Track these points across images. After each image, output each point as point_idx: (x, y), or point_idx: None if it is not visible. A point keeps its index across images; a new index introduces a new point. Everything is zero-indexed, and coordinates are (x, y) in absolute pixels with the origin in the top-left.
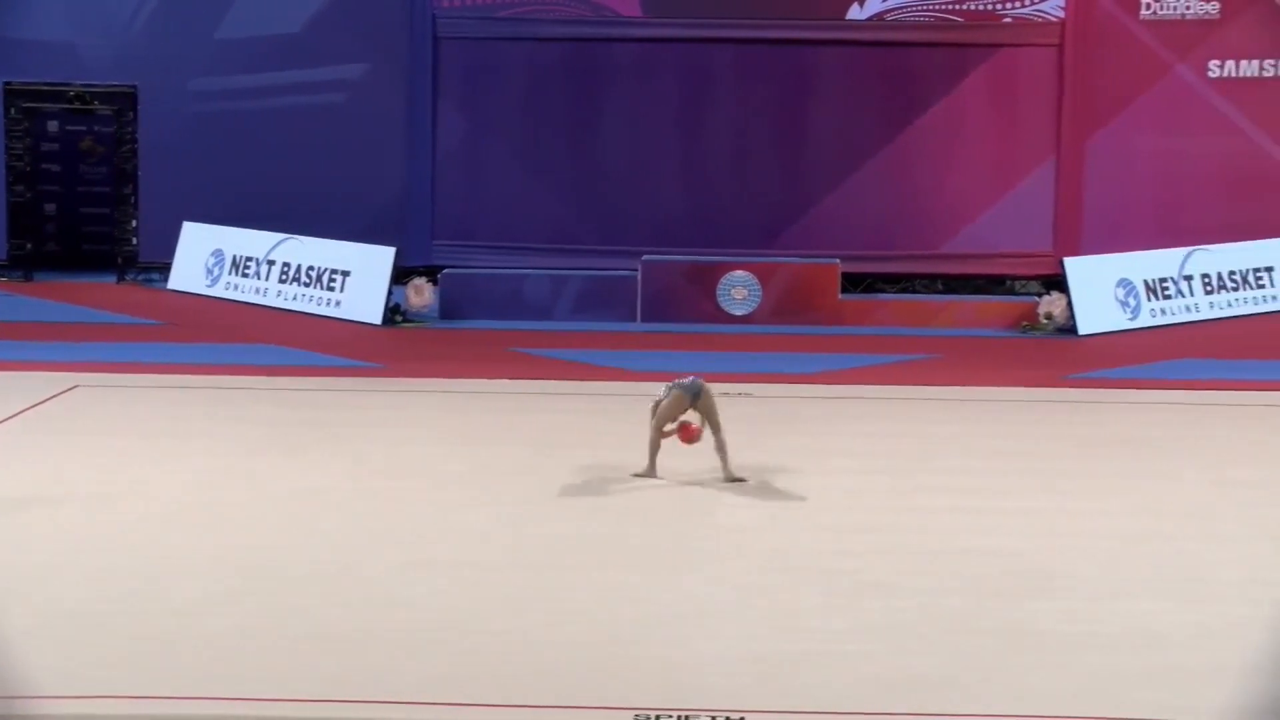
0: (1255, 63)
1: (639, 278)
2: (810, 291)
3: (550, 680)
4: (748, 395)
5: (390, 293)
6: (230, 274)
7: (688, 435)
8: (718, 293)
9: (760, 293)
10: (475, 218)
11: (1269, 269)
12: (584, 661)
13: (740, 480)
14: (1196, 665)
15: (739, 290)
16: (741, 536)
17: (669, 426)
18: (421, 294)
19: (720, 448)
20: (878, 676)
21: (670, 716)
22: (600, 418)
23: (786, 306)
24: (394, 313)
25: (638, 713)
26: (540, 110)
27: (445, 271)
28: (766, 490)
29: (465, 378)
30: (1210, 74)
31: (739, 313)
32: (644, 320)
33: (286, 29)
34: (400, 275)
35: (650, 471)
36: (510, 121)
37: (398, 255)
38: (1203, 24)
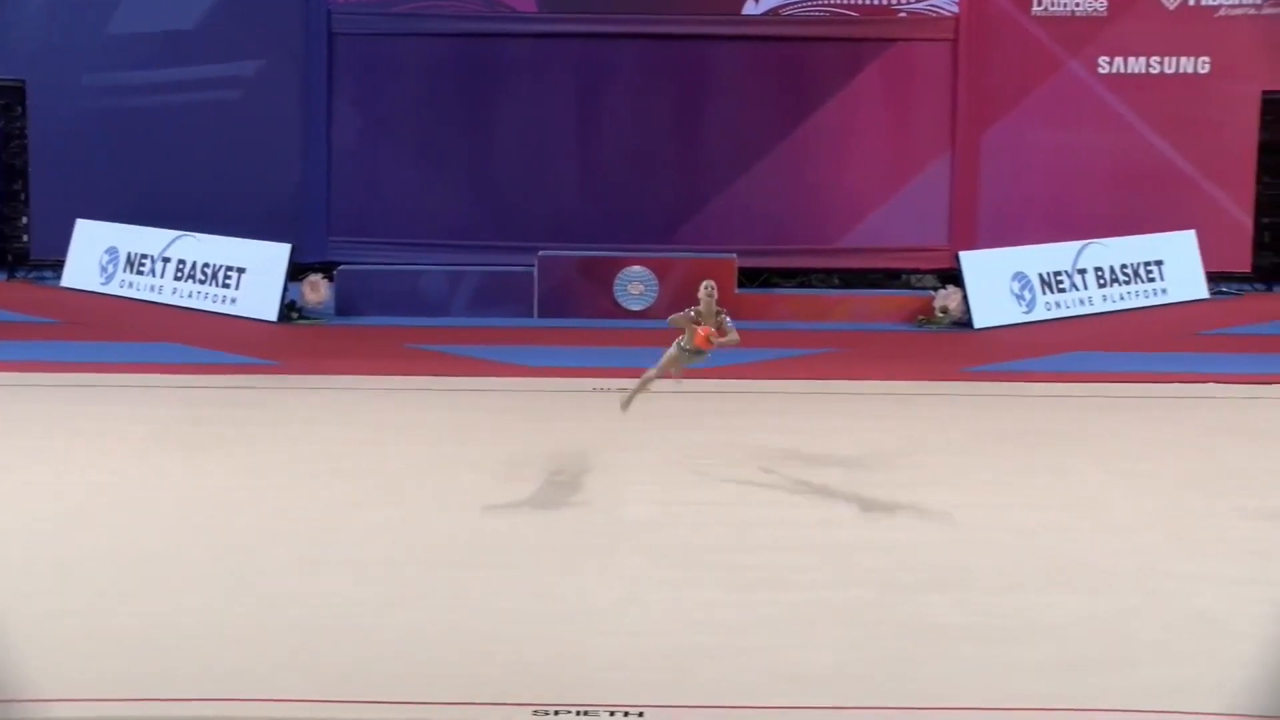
0: (1143, 59)
1: (536, 273)
2: None
3: (449, 677)
4: (645, 391)
5: (286, 290)
6: (125, 272)
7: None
8: (614, 288)
9: (657, 288)
10: (372, 214)
11: (1159, 262)
12: (483, 658)
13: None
14: (1091, 655)
15: (636, 285)
16: (639, 532)
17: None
18: (318, 291)
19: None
20: (775, 670)
21: (569, 712)
22: (497, 413)
23: (683, 301)
24: (290, 310)
25: (536, 708)
26: (437, 106)
27: (341, 268)
28: (664, 486)
29: (362, 374)
30: (1101, 70)
31: (636, 308)
32: (541, 316)
33: (179, 24)
34: (296, 272)
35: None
36: (407, 118)
37: (294, 252)
38: (1092, 21)
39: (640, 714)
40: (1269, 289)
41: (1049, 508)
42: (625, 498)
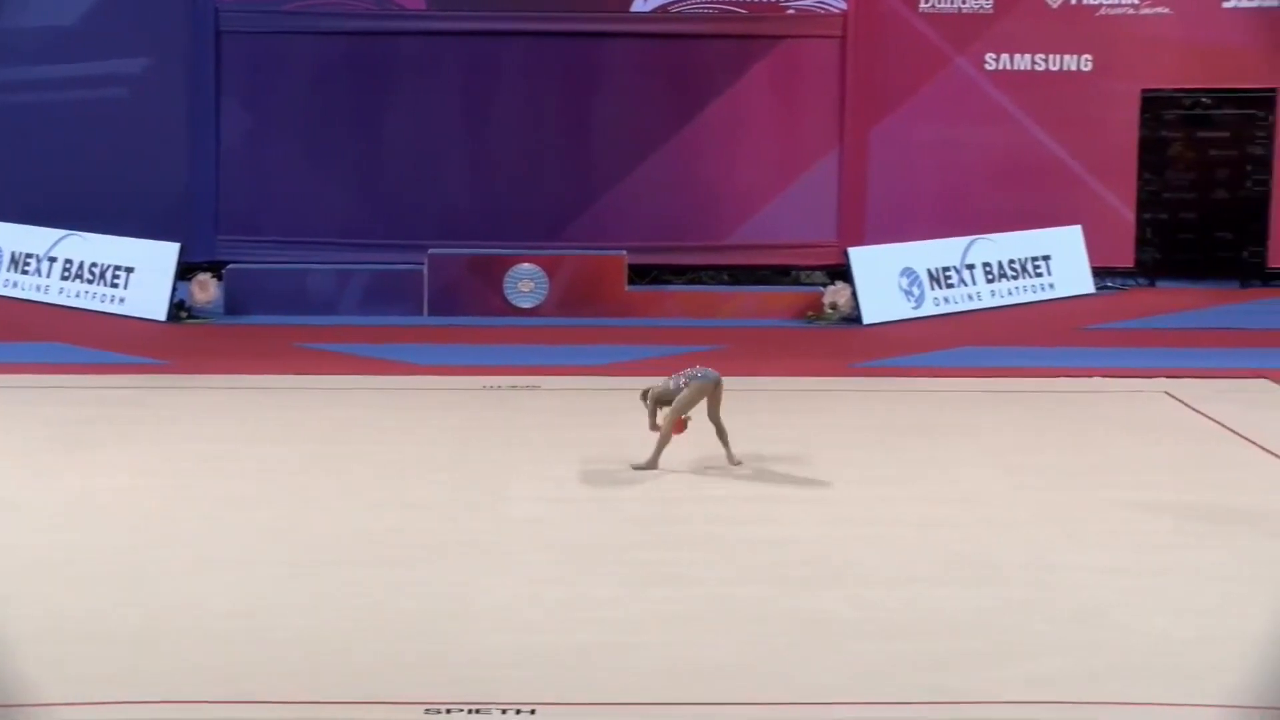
0: (1028, 56)
1: (425, 271)
2: (597, 283)
3: (340, 676)
4: (536, 388)
5: (175, 289)
6: (9, 271)
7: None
8: (504, 285)
9: (547, 285)
10: (261, 213)
11: (1046, 257)
12: (374, 657)
13: (739, 464)
14: (983, 648)
15: (525, 283)
16: (532, 528)
17: (687, 416)
18: (206, 290)
19: (722, 434)
20: (669, 667)
21: (461, 710)
22: (387, 412)
23: (573, 299)
24: (179, 309)
25: (428, 707)
26: (325, 105)
27: (230, 267)
28: (557, 483)
29: (251, 374)
30: (987, 67)
31: (526, 305)
32: (431, 314)
33: (63, 21)
34: (185, 271)
35: (653, 464)
36: (295, 116)
37: (182, 251)
38: (979, 18)
39: (532, 711)
40: (1151, 284)
41: (939, 502)
42: (517, 495)
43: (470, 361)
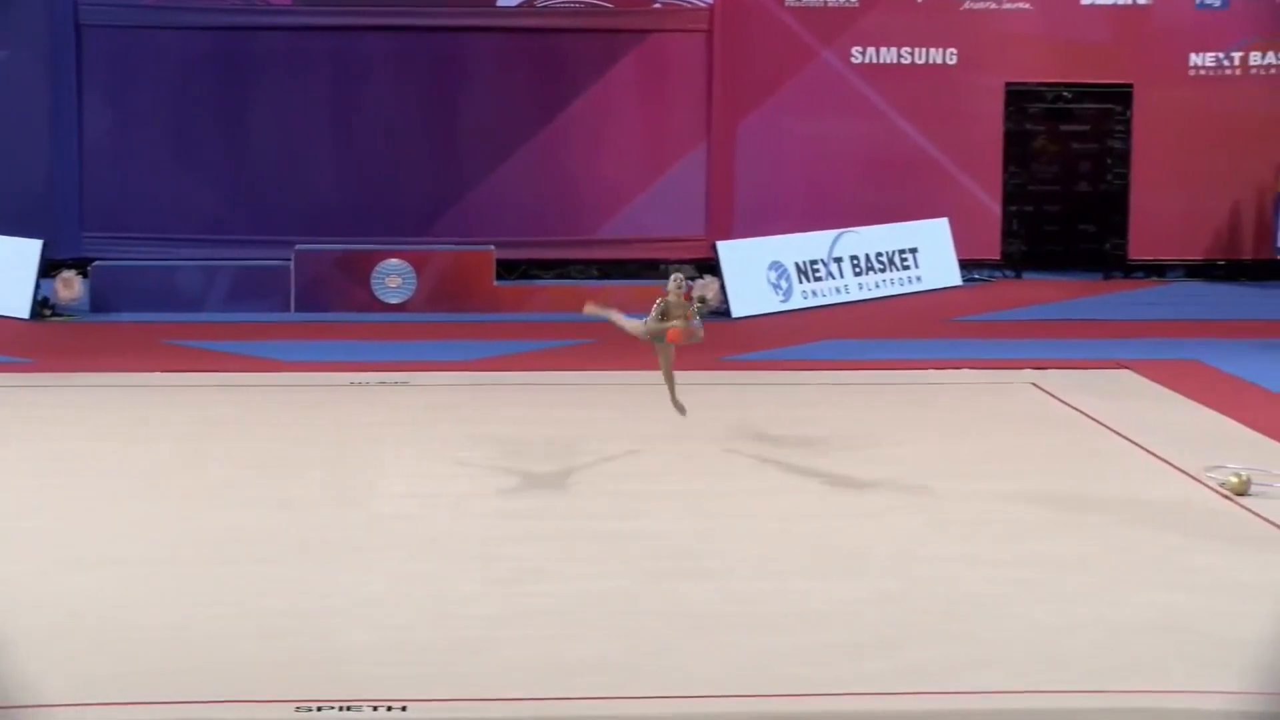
0: (894, 50)
1: (292, 267)
2: (465, 279)
3: (209, 676)
4: (405, 384)
5: (38, 286)
6: None
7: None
8: (372, 281)
9: (415, 281)
10: (126, 209)
11: (914, 250)
12: (243, 656)
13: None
14: (853, 640)
15: (393, 278)
16: (397, 525)
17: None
18: (71, 287)
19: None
20: (538, 662)
21: (332, 708)
22: (256, 409)
23: (442, 294)
24: (42, 306)
25: (299, 705)
26: (190, 100)
27: (95, 264)
28: (424, 479)
29: (117, 371)
30: (854, 60)
31: (394, 301)
32: (298, 310)
33: None
34: (49, 268)
35: (678, 405)
36: (160, 111)
37: (45, 248)
38: (845, 12)
39: (404, 708)
40: (1017, 276)
41: (807, 494)
42: (384, 491)
43: (338, 358)
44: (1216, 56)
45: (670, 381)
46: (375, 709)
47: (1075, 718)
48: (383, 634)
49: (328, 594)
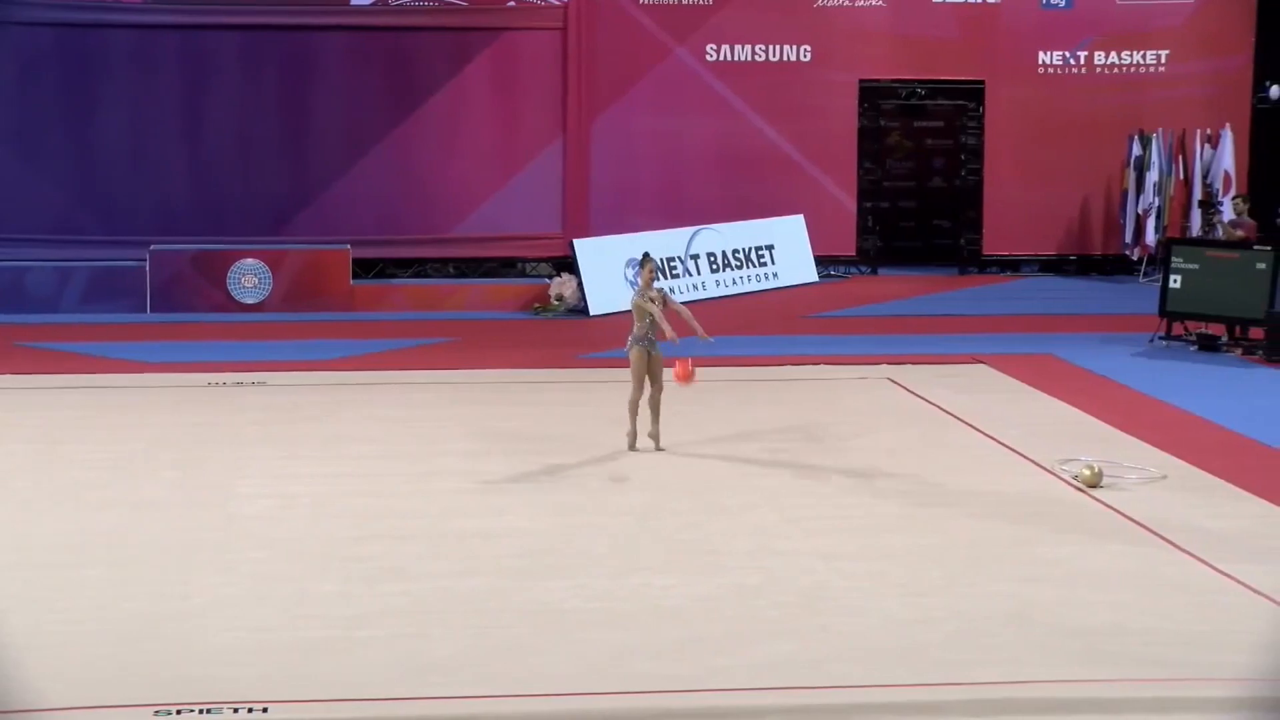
0: (748, 47)
1: (147, 268)
2: (322, 278)
3: (68, 681)
4: (262, 384)
5: None
6: None
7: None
8: (228, 281)
9: (271, 280)
10: None
11: (770, 247)
12: (99, 660)
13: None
14: (711, 635)
15: (249, 278)
16: (256, 526)
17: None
18: None
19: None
20: (400, 661)
21: (191, 710)
22: (112, 411)
23: (298, 293)
24: None
25: (158, 708)
26: (38, 98)
27: None
28: (279, 479)
29: None
30: (708, 57)
31: (250, 301)
32: (154, 311)
33: None
34: None
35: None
36: (6, 109)
37: None
38: (699, 9)
39: (265, 709)
40: (874, 272)
41: (665, 490)
42: (242, 492)
43: (195, 358)
44: (1064, 55)
45: (652, 413)
46: (236, 710)
47: (930, 710)
48: (242, 635)
49: (186, 596)
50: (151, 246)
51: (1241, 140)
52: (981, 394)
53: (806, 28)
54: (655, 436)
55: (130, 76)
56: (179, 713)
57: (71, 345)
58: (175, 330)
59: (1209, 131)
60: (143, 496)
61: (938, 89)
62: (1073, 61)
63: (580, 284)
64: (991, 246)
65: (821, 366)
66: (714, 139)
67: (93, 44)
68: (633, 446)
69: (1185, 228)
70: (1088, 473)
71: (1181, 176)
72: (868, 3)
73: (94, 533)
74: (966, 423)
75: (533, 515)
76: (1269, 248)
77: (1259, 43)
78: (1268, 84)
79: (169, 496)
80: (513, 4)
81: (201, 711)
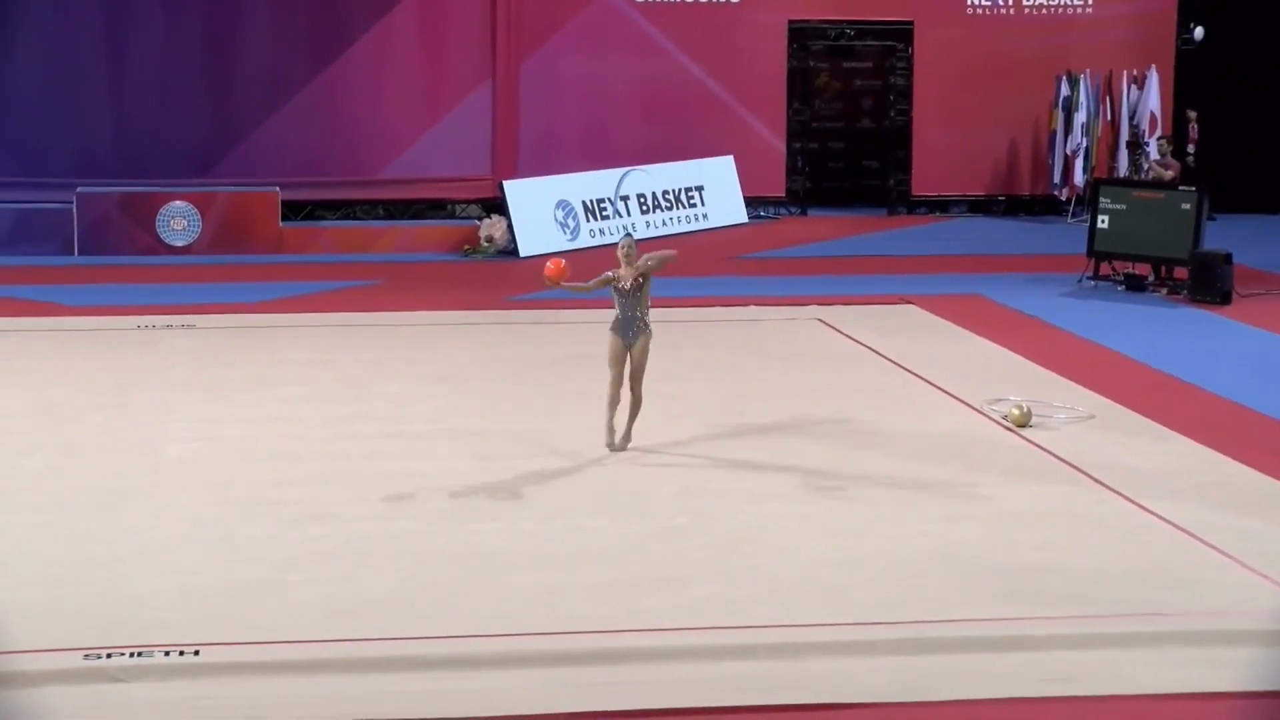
0: None
1: (74, 210)
2: (250, 220)
3: None
4: (191, 327)
5: None
6: None
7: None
8: (156, 223)
9: (200, 223)
10: None
11: (700, 188)
12: (28, 605)
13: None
14: (639, 576)
15: (178, 221)
16: (183, 470)
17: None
18: None
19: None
20: (329, 604)
21: (122, 654)
22: (38, 355)
23: (227, 236)
24: None
25: (87, 652)
26: None
27: None
28: (207, 422)
29: None
30: None
31: (179, 244)
32: (81, 254)
33: None
34: None
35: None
36: None
37: None
38: None
39: (196, 652)
40: (803, 212)
41: (593, 433)
42: (171, 436)
43: (123, 301)
44: None
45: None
46: (167, 654)
47: (856, 649)
48: (171, 579)
49: (114, 540)
50: (79, 189)
51: (1166, 81)
52: (910, 334)
53: None
54: (625, 438)
55: (48, 12)
56: (109, 656)
57: None
58: (102, 273)
59: (1135, 73)
60: (69, 440)
61: (866, 29)
62: (1001, 3)
63: (510, 225)
64: (920, 187)
65: (751, 308)
66: (643, 80)
67: None
68: (610, 444)
69: (1113, 168)
70: (1016, 412)
71: (1108, 118)
72: None
73: (20, 477)
74: (895, 363)
75: (459, 457)
76: (1193, 188)
77: None
78: (1192, 25)
79: (96, 440)
80: None
81: (132, 655)
